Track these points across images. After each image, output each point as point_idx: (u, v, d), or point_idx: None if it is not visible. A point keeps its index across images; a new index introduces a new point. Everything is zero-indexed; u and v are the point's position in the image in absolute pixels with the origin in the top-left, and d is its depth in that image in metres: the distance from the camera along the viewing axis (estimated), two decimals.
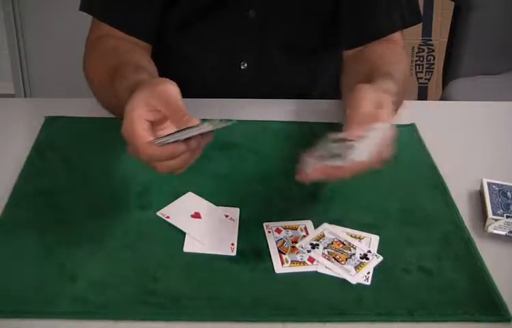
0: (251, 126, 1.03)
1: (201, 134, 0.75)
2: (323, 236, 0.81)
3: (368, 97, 0.82)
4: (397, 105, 0.96)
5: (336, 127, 1.06)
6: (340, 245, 0.79)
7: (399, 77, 0.98)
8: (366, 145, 0.77)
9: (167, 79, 0.80)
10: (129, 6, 1.07)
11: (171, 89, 0.78)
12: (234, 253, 0.78)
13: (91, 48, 1.07)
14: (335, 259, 0.77)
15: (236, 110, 1.07)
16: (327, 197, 0.88)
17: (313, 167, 0.76)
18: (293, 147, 1.00)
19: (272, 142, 1.00)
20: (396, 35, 1.10)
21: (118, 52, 1.02)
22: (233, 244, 0.79)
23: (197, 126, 0.74)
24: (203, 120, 0.76)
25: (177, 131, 0.75)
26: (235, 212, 0.84)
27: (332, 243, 0.79)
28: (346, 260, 0.77)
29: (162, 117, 0.78)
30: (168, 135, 0.75)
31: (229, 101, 1.10)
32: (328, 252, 0.78)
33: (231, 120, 0.77)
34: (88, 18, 1.10)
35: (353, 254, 0.78)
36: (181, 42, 1.16)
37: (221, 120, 0.76)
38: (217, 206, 0.85)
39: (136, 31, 1.07)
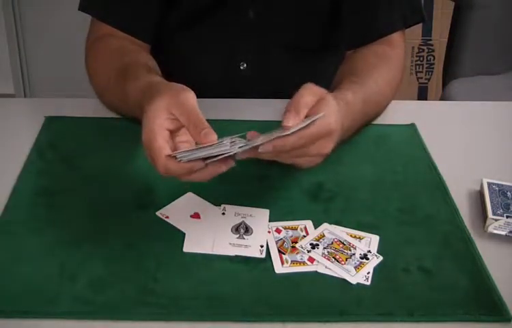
0: (251, 126, 1.03)
1: (221, 156, 0.76)
2: (323, 236, 0.81)
3: (308, 91, 0.82)
4: (363, 115, 0.98)
5: None
6: (340, 245, 0.79)
7: (373, 84, 1.00)
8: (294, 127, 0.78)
9: (186, 87, 0.81)
10: (128, 6, 1.07)
11: (191, 98, 0.79)
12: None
13: (93, 48, 1.08)
14: (335, 259, 0.77)
15: (236, 110, 1.07)
16: (327, 197, 0.88)
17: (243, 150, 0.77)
18: None
19: None
20: (396, 35, 1.09)
21: (124, 53, 1.02)
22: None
23: (216, 144, 0.75)
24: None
25: (197, 148, 0.76)
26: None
27: (332, 243, 0.79)
28: (346, 260, 0.77)
29: (181, 125, 0.79)
30: (187, 151, 0.76)
31: (228, 101, 1.10)
32: (328, 252, 0.78)
33: (247, 141, 0.78)
34: (88, 18, 1.11)
35: (353, 254, 0.78)
36: (181, 42, 1.16)
37: (240, 136, 0.77)
38: (216, 205, 0.85)
39: (135, 31, 1.07)
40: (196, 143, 0.77)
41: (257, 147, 0.78)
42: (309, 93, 0.82)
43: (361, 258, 0.77)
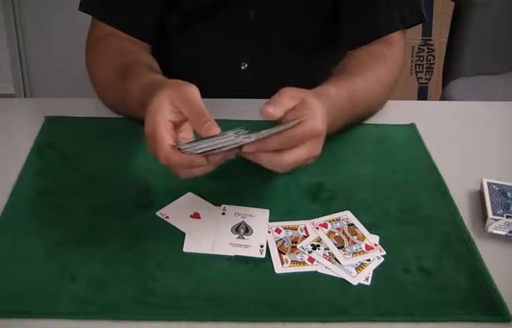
0: (251, 126, 1.03)
1: (226, 147, 0.76)
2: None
3: (287, 95, 0.82)
4: (349, 110, 0.97)
5: None
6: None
7: (361, 81, 1.00)
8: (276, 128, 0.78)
9: (188, 82, 0.81)
10: (129, 6, 1.07)
11: (195, 92, 0.79)
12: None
13: (94, 47, 1.08)
14: (336, 260, 0.77)
15: (236, 110, 1.07)
16: (327, 197, 0.88)
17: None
18: None
19: None
20: (396, 35, 1.09)
21: (124, 52, 1.02)
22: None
23: (220, 137, 0.75)
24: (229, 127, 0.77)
25: (201, 139, 0.76)
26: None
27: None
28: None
29: (184, 119, 0.79)
30: (192, 142, 0.76)
31: (229, 101, 1.10)
32: (329, 253, 0.78)
33: (252, 132, 0.77)
34: (88, 18, 1.11)
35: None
36: (182, 43, 1.16)
37: (242, 129, 0.77)
38: (216, 205, 0.85)
39: (136, 31, 1.07)
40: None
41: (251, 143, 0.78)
42: (288, 96, 0.81)
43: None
